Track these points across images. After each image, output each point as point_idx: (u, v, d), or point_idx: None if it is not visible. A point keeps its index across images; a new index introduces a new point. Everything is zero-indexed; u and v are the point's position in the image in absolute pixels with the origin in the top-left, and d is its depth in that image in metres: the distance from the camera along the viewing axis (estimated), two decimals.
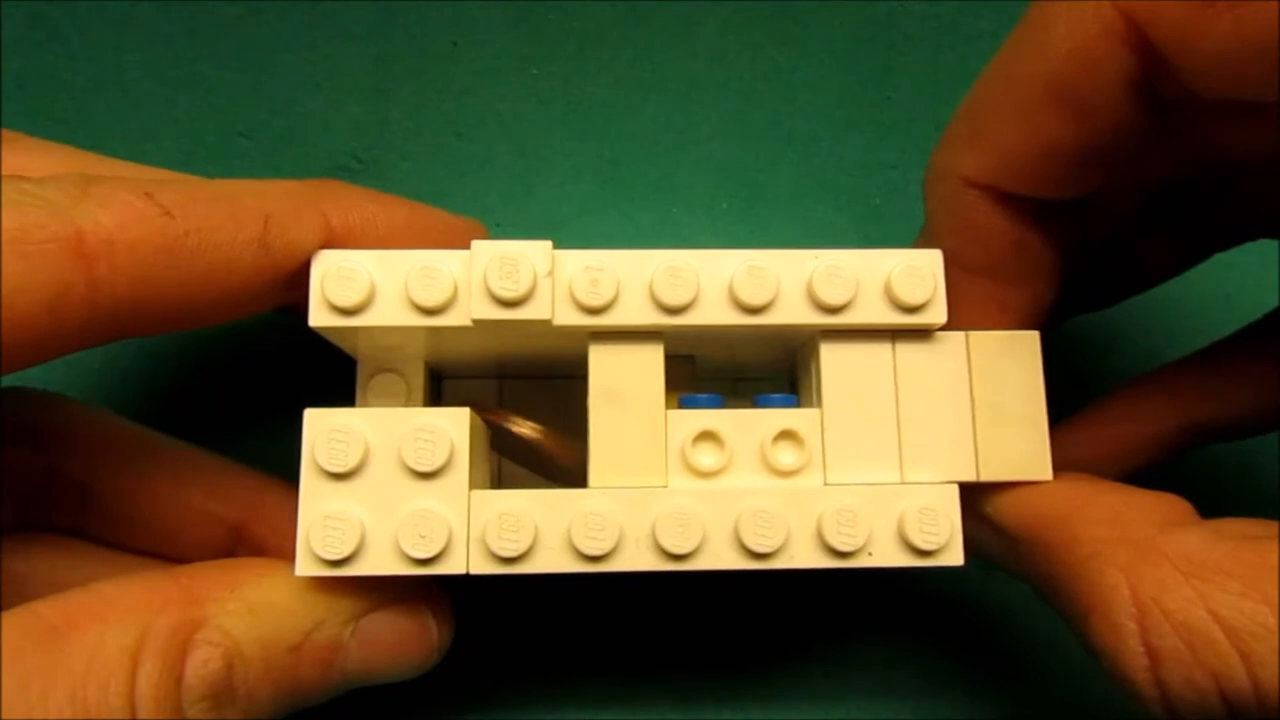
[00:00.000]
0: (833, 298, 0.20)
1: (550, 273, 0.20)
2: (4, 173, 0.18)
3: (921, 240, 0.22)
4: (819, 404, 0.21)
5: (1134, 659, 0.17)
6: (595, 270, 0.20)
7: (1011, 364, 0.21)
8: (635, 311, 0.20)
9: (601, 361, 0.20)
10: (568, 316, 0.20)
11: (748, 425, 0.20)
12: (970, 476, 0.20)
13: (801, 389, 0.22)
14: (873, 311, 0.20)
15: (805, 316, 0.20)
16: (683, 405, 0.21)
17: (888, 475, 0.20)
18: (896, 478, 0.20)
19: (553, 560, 0.19)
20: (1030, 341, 0.21)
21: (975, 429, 0.20)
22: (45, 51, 0.29)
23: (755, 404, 0.21)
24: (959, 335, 0.21)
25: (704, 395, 0.21)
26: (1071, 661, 0.25)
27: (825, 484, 0.20)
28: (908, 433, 0.20)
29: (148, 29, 0.30)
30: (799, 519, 0.20)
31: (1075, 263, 0.23)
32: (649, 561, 0.19)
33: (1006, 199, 0.20)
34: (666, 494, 0.20)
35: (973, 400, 0.21)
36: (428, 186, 0.29)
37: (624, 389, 0.20)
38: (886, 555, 0.20)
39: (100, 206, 0.17)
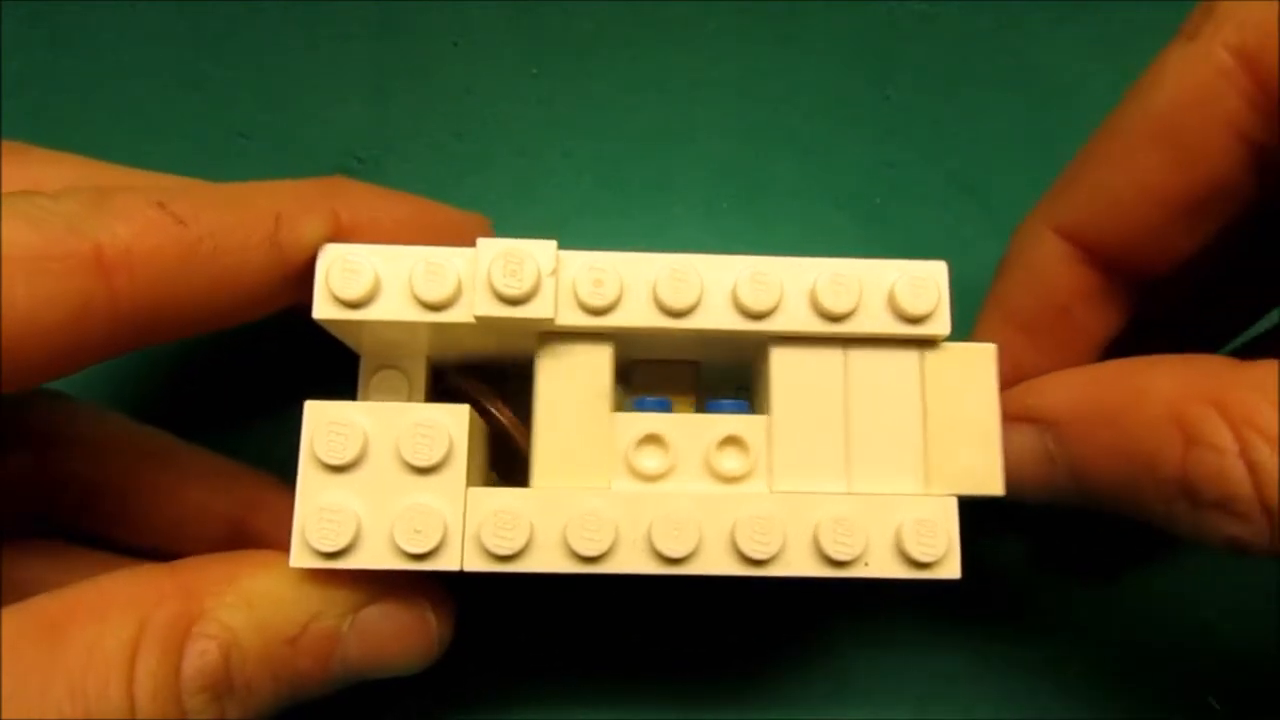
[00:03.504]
0: (836, 306, 0.20)
1: (554, 272, 0.20)
2: (17, 186, 0.19)
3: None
4: (768, 410, 0.20)
5: (1238, 476, 0.17)
6: (599, 271, 0.20)
7: (966, 376, 0.20)
8: (638, 313, 0.20)
9: (549, 362, 0.20)
10: (570, 316, 0.20)
11: (693, 430, 0.20)
12: (918, 489, 0.20)
13: (754, 395, 0.22)
14: (876, 321, 0.20)
15: (808, 324, 0.20)
16: (632, 408, 0.21)
17: (834, 484, 0.20)
18: (844, 487, 0.20)
19: (547, 560, 0.19)
20: (986, 354, 0.21)
21: (926, 440, 0.20)
22: (45, 51, 0.29)
23: (706, 409, 0.21)
24: (914, 346, 0.21)
25: (652, 399, 0.21)
26: (1071, 662, 0.25)
27: (771, 491, 0.20)
28: (857, 442, 0.20)
29: (148, 29, 0.30)
30: (796, 526, 0.20)
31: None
32: (644, 564, 0.19)
33: (1084, 257, 0.20)
34: (666, 498, 0.20)
35: (925, 411, 0.20)
36: (428, 186, 0.28)
37: (571, 390, 0.20)
38: (883, 566, 0.20)
39: (116, 219, 0.18)
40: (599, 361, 0.20)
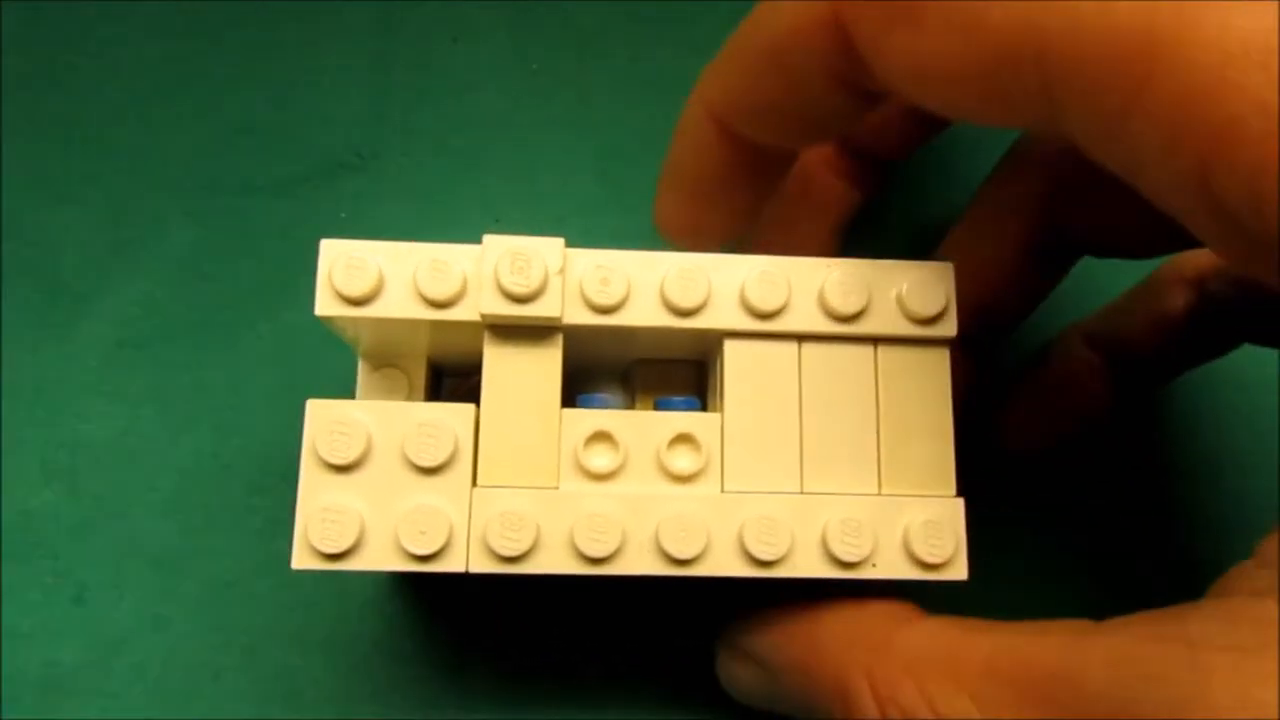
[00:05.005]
0: (845, 306, 0.20)
1: (561, 270, 0.20)
2: None
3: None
4: (720, 408, 0.20)
5: None
6: (606, 269, 0.20)
7: (919, 376, 0.20)
8: (645, 312, 0.20)
9: (497, 357, 0.20)
10: (577, 315, 0.20)
11: (643, 427, 0.20)
12: (872, 490, 0.20)
13: (708, 392, 0.22)
14: (885, 322, 0.20)
15: (816, 324, 0.20)
16: (579, 405, 0.21)
17: (788, 485, 0.20)
18: (797, 487, 0.20)
19: (553, 561, 0.19)
20: (939, 355, 0.20)
21: (879, 440, 0.20)
22: (45, 51, 0.29)
23: (657, 407, 0.21)
24: (868, 344, 0.20)
25: (600, 395, 0.21)
26: None
27: (723, 491, 0.20)
28: (810, 442, 0.20)
29: (148, 28, 0.29)
30: (804, 528, 0.19)
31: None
32: (651, 565, 0.19)
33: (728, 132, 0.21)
34: (670, 499, 0.20)
35: (878, 411, 0.20)
36: (429, 183, 0.29)
37: (519, 386, 0.20)
38: (891, 568, 0.20)
39: None
40: (549, 356, 0.20)
